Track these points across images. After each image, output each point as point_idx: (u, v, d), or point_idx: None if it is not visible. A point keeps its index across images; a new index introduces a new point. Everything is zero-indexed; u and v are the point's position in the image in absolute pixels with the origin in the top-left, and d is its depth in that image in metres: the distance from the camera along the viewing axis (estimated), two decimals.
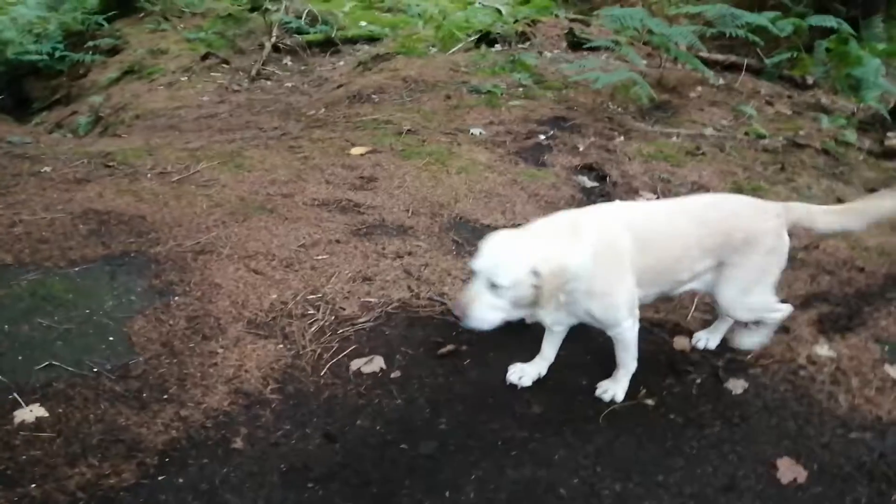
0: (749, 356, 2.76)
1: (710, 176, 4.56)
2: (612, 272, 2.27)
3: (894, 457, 2.31)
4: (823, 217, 2.55)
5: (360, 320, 2.92)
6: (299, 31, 8.89)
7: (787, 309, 2.62)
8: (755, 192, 4.22)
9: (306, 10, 9.19)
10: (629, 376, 2.52)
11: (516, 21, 8.15)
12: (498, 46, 7.56)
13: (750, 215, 2.46)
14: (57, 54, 8.86)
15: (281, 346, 2.75)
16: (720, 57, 6.93)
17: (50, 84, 8.89)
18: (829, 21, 6.18)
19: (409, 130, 5.21)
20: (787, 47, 6.71)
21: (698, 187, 4.39)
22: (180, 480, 2.13)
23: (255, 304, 2.95)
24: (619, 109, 5.88)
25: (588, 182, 4.46)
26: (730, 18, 6.22)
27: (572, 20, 8.33)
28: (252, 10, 9.35)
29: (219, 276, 3.09)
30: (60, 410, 2.33)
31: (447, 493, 2.14)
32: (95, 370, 2.51)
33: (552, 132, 5.18)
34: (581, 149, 4.91)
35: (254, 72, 7.84)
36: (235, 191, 4.02)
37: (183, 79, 7.79)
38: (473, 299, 2.12)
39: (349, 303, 3.02)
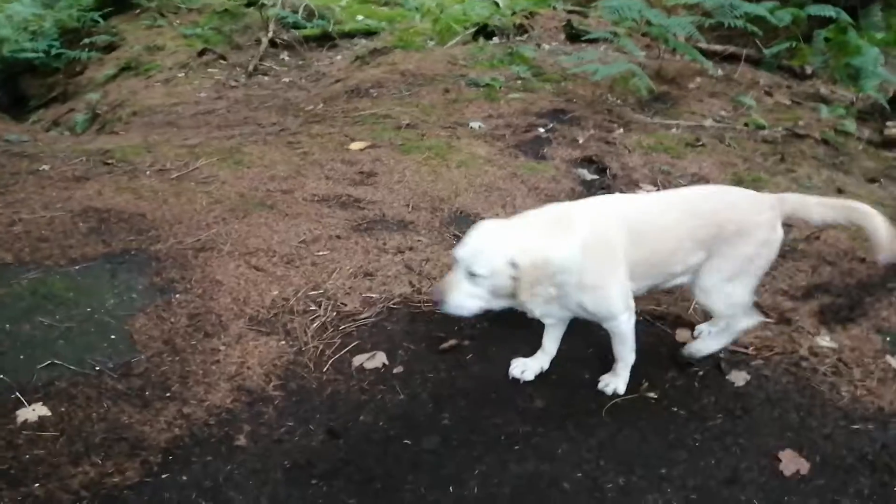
0: (750, 348, 2.76)
1: (710, 167, 4.55)
2: (605, 265, 2.27)
3: None
4: (818, 208, 2.53)
5: (362, 316, 2.92)
6: (296, 26, 8.84)
7: (755, 320, 2.63)
8: (755, 182, 4.22)
9: (303, 5, 9.13)
10: (628, 369, 2.52)
11: (514, 13, 8.10)
12: (496, 39, 7.52)
13: (744, 207, 2.45)
14: (53, 52, 8.81)
15: (283, 342, 2.75)
16: (719, 47, 6.89)
17: (46, 82, 8.84)
18: (828, 10, 6.15)
19: (408, 125, 5.20)
20: (786, 37, 6.68)
21: (698, 179, 4.38)
22: (184, 478, 2.14)
23: (257, 301, 2.95)
24: (619, 101, 5.86)
25: (588, 175, 4.45)
26: (728, 8, 6.19)
27: (570, 12, 8.28)
28: (248, 5, 9.29)
29: (220, 273, 3.09)
30: (63, 409, 2.34)
31: (451, 488, 2.15)
32: (97, 368, 2.51)
33: (551, 125, 5.16)
34: (581, 141, 4.90)
35: (251, 67, 7.80)
36: (235, 187, 4.01)
37: (180, 75, 7.75)
38: (452, 286, 2.19)
39: (350, 298, 3.02)
